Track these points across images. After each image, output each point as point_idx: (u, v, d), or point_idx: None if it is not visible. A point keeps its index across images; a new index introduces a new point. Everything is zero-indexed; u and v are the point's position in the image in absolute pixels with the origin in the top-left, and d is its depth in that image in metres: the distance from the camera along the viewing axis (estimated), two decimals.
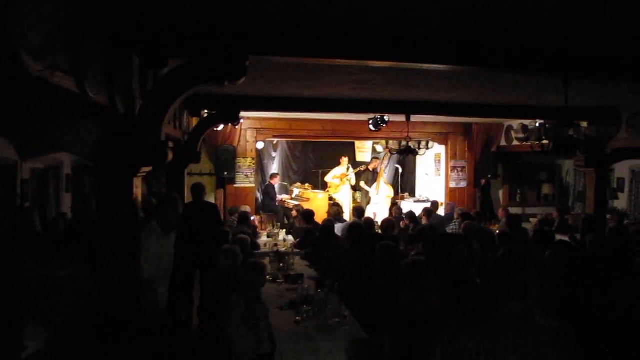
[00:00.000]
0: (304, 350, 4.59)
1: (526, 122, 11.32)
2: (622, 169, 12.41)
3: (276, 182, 14.07)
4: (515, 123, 12.14)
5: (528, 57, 4.99)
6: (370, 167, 15.04)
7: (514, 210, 12.83)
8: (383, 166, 15.39)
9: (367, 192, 14.75)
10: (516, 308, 2.57)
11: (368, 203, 14.51)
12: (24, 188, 8.27)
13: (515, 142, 12.24)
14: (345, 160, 14.71)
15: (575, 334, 4.77)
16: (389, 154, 15.06)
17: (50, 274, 5.73)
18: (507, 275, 2.71)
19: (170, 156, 4.44)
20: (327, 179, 14.89)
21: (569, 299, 5.12)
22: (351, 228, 7.71)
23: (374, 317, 4.78)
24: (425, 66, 5.10)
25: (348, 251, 7.02)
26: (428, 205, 12.12)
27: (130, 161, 4.15)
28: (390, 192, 14.55)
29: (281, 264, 7.40)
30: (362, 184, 14.88)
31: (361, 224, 8.17)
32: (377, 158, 15.36)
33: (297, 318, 5.10)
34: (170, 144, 7.97)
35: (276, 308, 5.47)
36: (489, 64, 5.05)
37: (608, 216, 10.31)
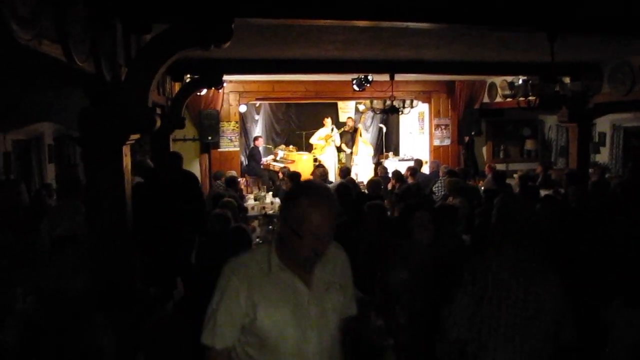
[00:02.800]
0: None
1: (509, 78, 11.36)
2: (603, 124, 12.52)
3: (260, 145, 14.08)
4: (498, 80, 12.17)
5: (513, 13, 4.98)
6: (346, 128, 15.03)
7: (498, 166, 12.95)
8: (361, 126, 15.39)
9: (350, 154, 14.78)
10: (518, 253, 2.78)
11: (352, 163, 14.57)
12: (8, 160, 8.19)
13: (499, 99, 12.28)
14: (328, 121, 14.69)
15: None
16: (369, 113, 15.04)
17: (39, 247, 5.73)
18: (506, 224, 2.87)
19: (159, 123, 4.41)
20: (312, 140, 14.88)
21: (557, 252, 5.23)
22: (339, 189, 7.75)
23: (365, 276, 4.85)
24: (410, 25, 5.06)
25: (340, 213, 7.06)
26: (412, 163, 12.17)
27: (119, 129, 4.12)
28: (369, 150, 14.60)
29: (270, 227, 7.45)
30: (342, 146, 14.90)
31: (348, 184, 8.22)
32: (351, 118, 15.33)
33: None
34: (157, 110, 7.90)
35: None
36: (473, 21, 5.03)
37: (590, 170, 10.44)
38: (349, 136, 14.85)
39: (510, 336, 2.78)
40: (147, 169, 7.53)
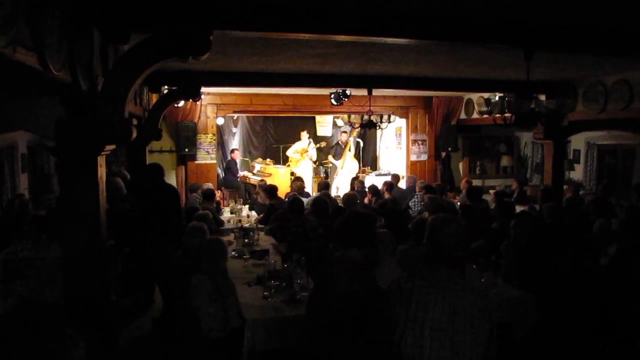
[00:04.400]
0: (273, 325, 4.62)
1: (485, 95, 11.48)
2: (578, 141, 12.71)
3: (237, 157, 14.04)
4: (475, 96, 12.31)
5: (489, 30, 5.03)
6: (324, 144, 15.10)
7: (474, 182, 13.05)
8: (350, 140, 15.45)
9: (335, 167, 14.75)
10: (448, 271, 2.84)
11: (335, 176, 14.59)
12: None
13: (475, 115, 12.41)
14: (304, 135, 14.70)
15: (535, 301, 4.95)
16: (356, 128, 15.12)
17: (11, 257, 5.63)
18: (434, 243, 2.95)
19: (135, 133, 4.36)
20: (289, 153, 14.89)
21: (531, 267, 5.27)
22: (315, 202, 7.74)
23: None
24: (388, 40, 5.10)
25: (316, 226, 7.05)
26: (389, 178, 12.21)
27: (94, 139, 4.07)
28: (355, 166, 14.63)
29: (246, 240, 7.40)
30: (330, 157, 14.89)
31: (325, 198, 8.21)
32: (345, 132, 15.39)
33: (265, 293, 5.11)
34: (134, 121, 7.83)
35: (243, 284, 5.48)
36: (449, 38, 5.08)
37: (565, 187, 10.57)
38: (340, 149, 14.84)
39: (441, 355, 2.81)
40: (123, 179, 7.47)
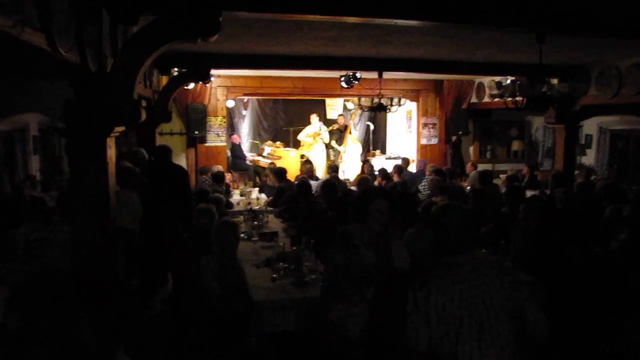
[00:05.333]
0: (281, 307, 4.63)
1: (497, 78, 11.38)
2: (590, 126, 12.59)
3: (236, 141, 13.97)
4: (486, 80, 12.20)
5: (501, 12, 4.97)
6: (336, 126, 15.01)
7: (484, 166, 12.99)
8: (351, 123, 15.37)
9: (339, 152, 14.73)
10: (488, 255, 2.82)
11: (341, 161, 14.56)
12: None
13: (486, 99, 12.31)
14: (314, 118, 14.66)
15: (545, 287, 4.93)
16: (359, 111, 15.04)
17: (23, 238, 5.67)
18: (441, 231, 2.94)
19: (144, 115, 4.36)
20: (300, 137, 14.85)
21: (541, 253, 5.25)
22: (324, 185, 7.74)
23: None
24: (399, 22, 5.05)
25: (325, 209, 7.04)
26: (399, 162, 12.18)
27: (103, 121, 4.06)
28: (358, 148, 14.58)
29: (255, 222, 7.42)
30: (332, 143, 14.87)
31: (334, 181, 8.21)
32: (342, 115, 15.32)
33: (274, 275, 5.13)
34: (143, 103, 7.83)
35: (252, 266, 5.50)
36: (461, 19, 5.02)
37: (576, 172, 10.49)
38: (339, 134, 14.80)
39: (476, 337, 2.77)
40: (141, 159, 7.52)
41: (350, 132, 14.76)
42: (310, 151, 14.38)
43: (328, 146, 14.96)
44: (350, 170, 13.81)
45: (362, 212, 3.89)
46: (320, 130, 14.52)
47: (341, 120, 14.85)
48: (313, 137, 14.49)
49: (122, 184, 6.73)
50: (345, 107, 16.27)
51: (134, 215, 6.52)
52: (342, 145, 14.47)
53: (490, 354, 2.74)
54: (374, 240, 3.81)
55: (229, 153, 13.62)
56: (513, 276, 2.89)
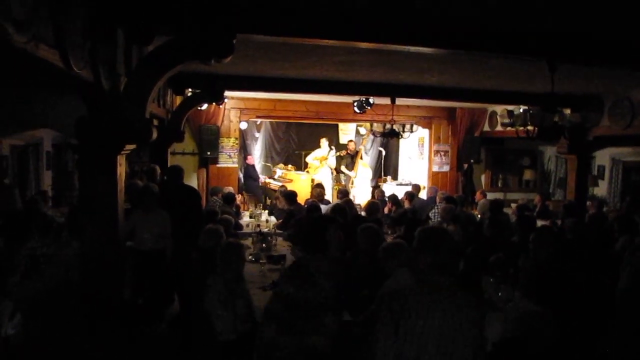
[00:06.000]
0: None
1: (510, 107, 11.38)
2: (602, 157, 12.53)
3: (251, 162, 14.04)
4: (499, 109, 12.20)
5: (513, 41, 4.99)
6: (344, 152, 15.01)
7: (495, 195, 12.91)
8: (362, 148, 15.37)
9: (350, 177, 14.71)
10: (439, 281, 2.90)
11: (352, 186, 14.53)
12: (3, 164, 8.16)
13: (499, 128, 12.30)
14: (324, 142, 14.70)
15: (552, 317, 4.87)
16: (371, 137, 15.05)
17: (30, 253, 5.69)
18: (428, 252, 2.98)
19: (155, 134, 4.39)
20: (308, 159, 14.91)
21: (549, 282, 5.19)
22: (335, 209, 7.72)
23: (357, 297, 4.81)
24: (412, 49, 5.08)
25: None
26: (410, 188, 12.14)
27: (115, 138, 4.10)
28: (368, 174, 14.56)
29: (264, 245, 7.40)
30: (342, 168, 14.85)
31: (344, 206, 8.19)
32: (352, 141, 15.34)
33: None
34: (155, 122, 7.89)
35: (259, 288, 5.47)
36: (473, 47, 5.05)
37: (588, 203, 10.41)
38: (350, 159, 14.80)
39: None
40: (156, 177, 7.59)
41: (361, 158, 14.76)
42: (315, 174, 14.40)
43: (338, 170, 14.96)
44: (360, 195, 13.78)
45: (321, 241, 3.78)
46: (328, 154, 14.55)
47: (352, 146, 14.85)
48: (320, 160, 14.52)
49: (140, 204, 6.76)
50: (357, 132, 16.30)
51: (154, 236, 6.66)
52: (353, 171, 14.46)
53: None
54: (333, 269, 3.69)
55: (240, 174, 13.67)
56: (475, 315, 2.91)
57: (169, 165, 8.47)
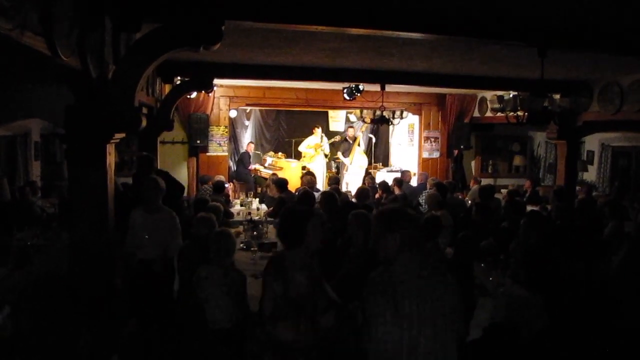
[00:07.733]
0: None
1: (500, 93, 11.39)
2: (591, 142, 12.60)
3: (250, 150, 14.11)
4: (489, 95, 12.22)
5: (502, 27, 4.98)
6: (338, 138, 14.99)
7: (486, 181, 12.97)
8: (359, 135, 15.35)
9: (344, 164, 14.69)
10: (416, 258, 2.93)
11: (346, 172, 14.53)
12: None
13: (489, 114, 12.32)
14: (318, 130, 14.67)
15: (543, 302, 4.91)
16: (366, 124, 15.04)
17: (20, 244, 5.66)
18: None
19: (144, 122, 4.35)
20: (301, 148, 14.85)
21: (539, 268, 5.22)
22: (324, 197, 7.71)
23: (349, 284, 4.81)
24: (402, 35, 5.07)
25: (325, 220, 7.00)
26: (400, 175, 12.15)
27: (103, 127, 4.06)
28: (364, 162, 14.56)
29: (255, 232, 7.40)
30: (339, 154, 14.81)
31: (334, 193, 8.18)
32: (352, 127, 15.32)
33: None
34: (144, 111, 7.83)
35: (250, 276, 5.47)
36: (462, 33, 5.03)
37: (577, 188, 10.47)
38: (347, 145, 14.76)
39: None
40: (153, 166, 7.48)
41: (358, 144, 14.72)
42: (311, 162, 14.37)
43: (330, 158, 14.94)
44: (353, 182, 13.77)
45: (300, 234, 3.59)
46: (322, 141, 14.52)
47: (351, 132, 14.80)
48: (314, 148, 14.48)
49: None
50: (347, 119, 16.28)
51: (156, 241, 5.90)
52: (349, 158, 14.44)
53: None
54: (306, 264, 3.60)
55: (230, 163, 13.63)
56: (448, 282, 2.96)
57: (161, 153, 8.37)
